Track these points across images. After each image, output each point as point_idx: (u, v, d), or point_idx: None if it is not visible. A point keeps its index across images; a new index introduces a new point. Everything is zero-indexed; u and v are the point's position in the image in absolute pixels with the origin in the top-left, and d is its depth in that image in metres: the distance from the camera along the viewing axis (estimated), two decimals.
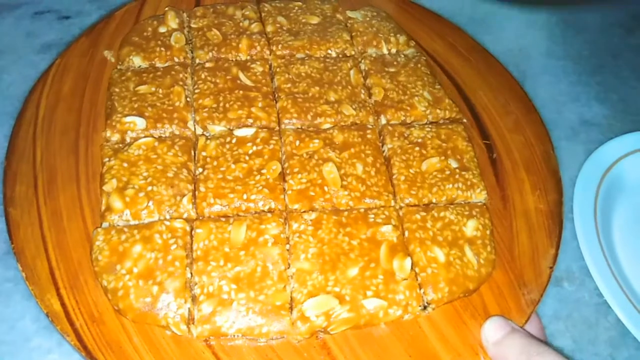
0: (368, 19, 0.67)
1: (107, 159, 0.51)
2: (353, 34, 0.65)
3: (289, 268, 0.46)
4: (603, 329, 0.58)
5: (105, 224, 0.48)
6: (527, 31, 0.85)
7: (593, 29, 0.87)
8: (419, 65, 0.63)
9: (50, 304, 0.44)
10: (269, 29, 0.64)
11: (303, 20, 0.66)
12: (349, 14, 0.67)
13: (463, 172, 0.54)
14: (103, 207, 0.49)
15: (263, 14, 0.66)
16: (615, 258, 0.61)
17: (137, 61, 0.59)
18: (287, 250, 0.47)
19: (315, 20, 0.66)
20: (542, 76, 0.79)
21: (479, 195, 0.54)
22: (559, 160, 0.59)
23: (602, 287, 0.57)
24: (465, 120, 0.60)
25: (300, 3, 0.68)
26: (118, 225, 0.48)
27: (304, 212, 0.50)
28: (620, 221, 0.65)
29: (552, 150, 0.59)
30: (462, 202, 0.53)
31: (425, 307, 0.47)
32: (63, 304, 0.45)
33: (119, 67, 0.59)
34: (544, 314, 0.58)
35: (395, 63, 0.63)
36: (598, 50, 0.84)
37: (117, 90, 0.56)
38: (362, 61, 0.63)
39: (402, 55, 0.64)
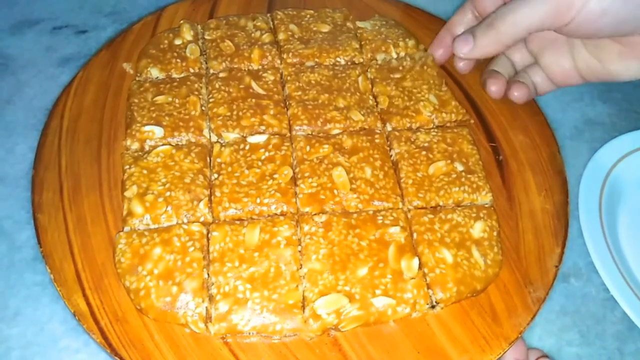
0: (377, 27, 0.68)
1: (127, 167, 0.54)
2: (362, 42, 0.67)
3: (301, 268, 0.48)
4: (610, 323, 0.59)
5: (127, 228, 0.50)
6: None
7: None
8: (425, 67, 0.64)
9: (77, 304, 0.47)
10: (281, 36, 0.66)
11: (314, 29, 0.68)
12: (359, 24, 0.69)
13: (469, 175, 0.56)
14: (125, 212, 0.51)
15: (275, 22, 0.68)
16: (621, 254, 0.62)
17: (155, 72, 0.62)
18: (299, 251, 0.49)
19: (326, 28, 0.68)
20: None
21: (484, 198, 0.55)
22: (564, 159, 0.60)
23: (608, 283, 0.58)
24: (472, 121, 0.61)
25: (312, 11, 0.70)
26: (139, 229, 0.50)
27: (315, 214, 0.52)
28: (625, 218, 0.66)
29: (557, 152, 0.61)
30: (469, 204, 0.55)
31: (433, 306, 0.49)
32: (89, 304, 0.47)
33: (137, 78, 0.62)
34: (552, 309, 0.59)
35: (400, 68, 0.64)
36: None
37: (136, 100, 0.59)
38: (369, 70, 0.64)
39: (408, 59, 0.65)
